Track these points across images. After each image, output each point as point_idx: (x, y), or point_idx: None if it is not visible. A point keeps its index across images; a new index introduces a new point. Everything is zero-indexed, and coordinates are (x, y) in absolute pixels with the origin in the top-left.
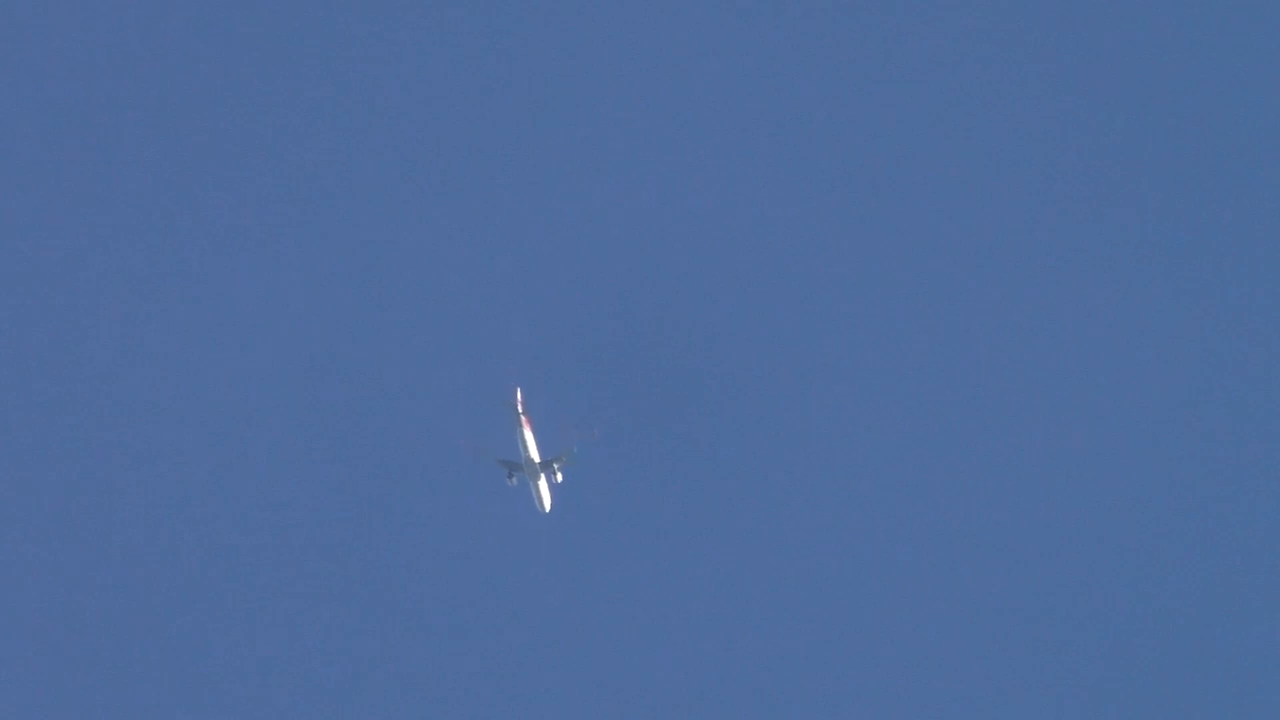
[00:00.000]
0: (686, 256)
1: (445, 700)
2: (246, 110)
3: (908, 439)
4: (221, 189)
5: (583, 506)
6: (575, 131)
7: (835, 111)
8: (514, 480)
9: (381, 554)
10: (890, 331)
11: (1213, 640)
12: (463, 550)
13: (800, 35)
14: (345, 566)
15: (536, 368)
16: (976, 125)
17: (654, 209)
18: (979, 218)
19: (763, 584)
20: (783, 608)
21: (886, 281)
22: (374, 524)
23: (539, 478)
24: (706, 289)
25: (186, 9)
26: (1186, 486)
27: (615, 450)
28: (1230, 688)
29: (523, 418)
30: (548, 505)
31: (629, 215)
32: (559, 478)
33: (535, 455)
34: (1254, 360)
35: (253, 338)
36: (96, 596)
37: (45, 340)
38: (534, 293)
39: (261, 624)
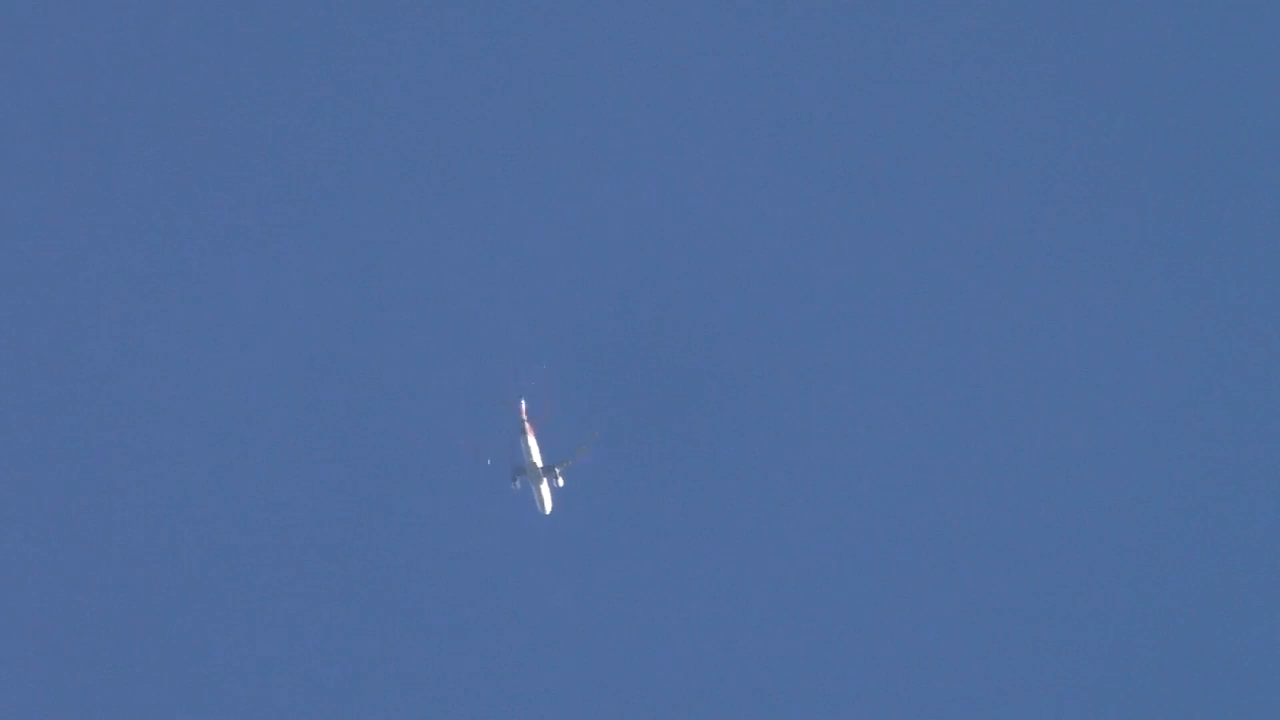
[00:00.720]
0: (687, 256)
1: (446, 700)
2: (246, 110)
3: (909, 438)
4: (221, 189)
5: (584, 506)
6: (576, 131)
7: (835, 111)
8: (517, 484)
9: (381, 554)
10: (891, 331)
11: (1213, 640)
12: (462, 551)
13: (800, 35)
14: (345, 566)
15: (538, 368)
16: (976, 125)
17: (656, 209)
18: (979, 218)
19: (763, 584)
20: (783, 608)
21: (887, 281)
22: (374, 524)
23: (541, 481)
24: (708, 289)
25: (186, 9)
26: (1186, 486)
27: (617, 450)
28: (1230, 688)
29: (527, 425)
30: (549, 508)
31: (631, 215)
32: (560, 482)
33: (538, 460)
34: (1254, 360)
35: (253, 338)
36: (96, 596)
37: (45, 340)
38: (535, 293)
39: (262, 624)
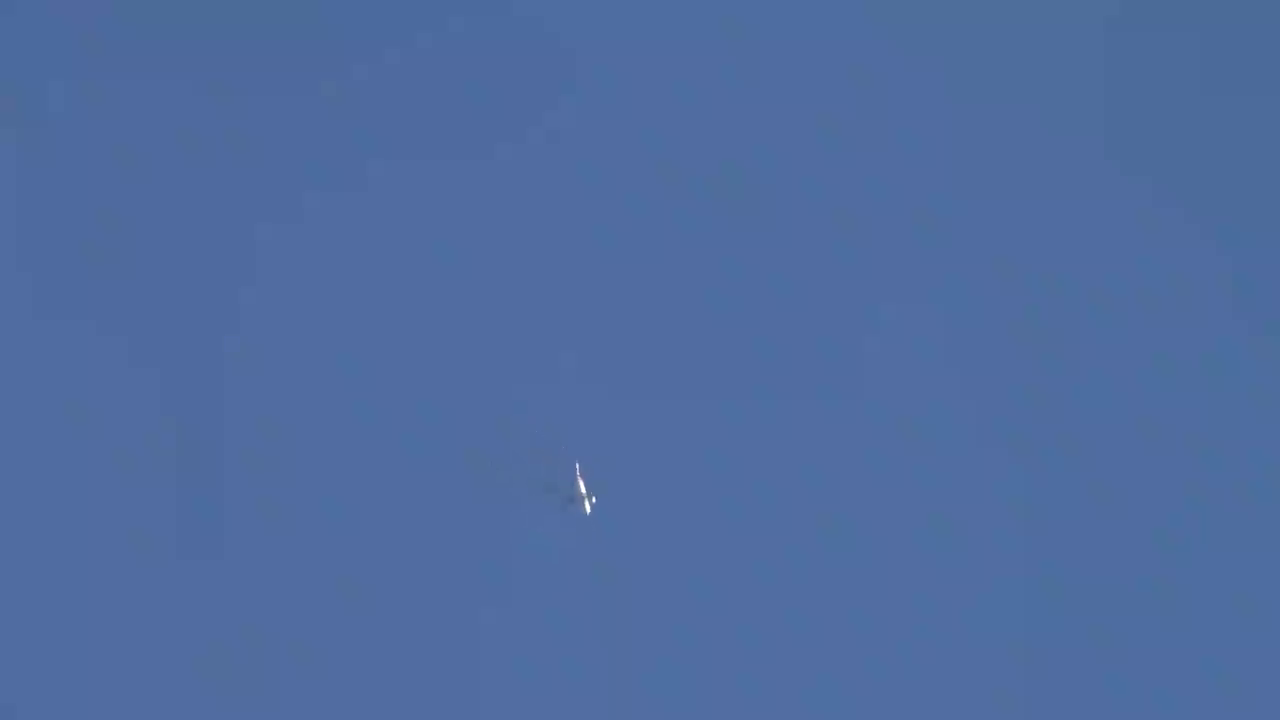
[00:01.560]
0: (683, 258)
1: (447, 702)
2: (246, 109)
3: (907, 440)
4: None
5: (589, 513)
6: (573, 132)
7: (833, 109)
8: (569, 506)
9: (405, 571)
10: (889, 332)
11: (1212, 639)
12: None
13: (799, 35)
14: (362, 580)
15: (542, 372)
16: (976, 125)
17: (654, 210)
18: (979, 217)
19: (764, 586)
20: (786, 610)
21: (884, 282)
22: (395, 541)
23: (585, 502)
24: (704, 290)
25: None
26: (1187, 488)
27: (617, 451)
28: (1229, 686)
29: (579, 478)
30: (589, 511)
31: (629, 214)
32: (594, 500)
33: (583, 490)
34: (1254, 359)
35: (263, 341)
36: (95, 594)
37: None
38: (535, 297)
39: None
